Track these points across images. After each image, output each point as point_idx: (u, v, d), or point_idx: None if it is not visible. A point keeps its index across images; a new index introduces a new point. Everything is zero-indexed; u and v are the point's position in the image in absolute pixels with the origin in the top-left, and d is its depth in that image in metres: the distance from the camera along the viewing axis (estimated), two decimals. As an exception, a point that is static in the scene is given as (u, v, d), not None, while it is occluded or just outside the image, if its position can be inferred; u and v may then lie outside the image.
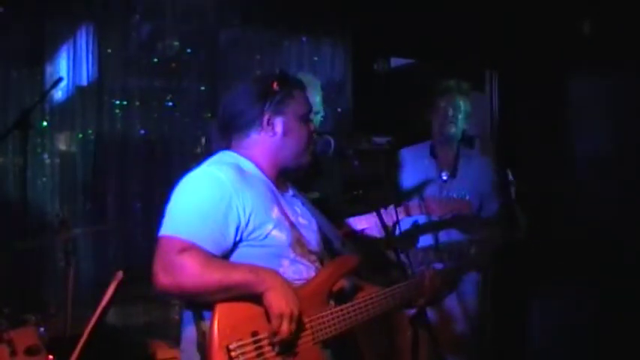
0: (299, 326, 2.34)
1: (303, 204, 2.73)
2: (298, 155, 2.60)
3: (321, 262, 2.61)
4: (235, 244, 2.39)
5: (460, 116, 4.21)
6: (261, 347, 2.29)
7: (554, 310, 5.44)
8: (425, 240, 4.05)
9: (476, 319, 4.22)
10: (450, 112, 4.20)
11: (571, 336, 5.25)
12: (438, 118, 4.24)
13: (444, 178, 4.21)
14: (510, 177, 3.87)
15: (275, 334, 2.29)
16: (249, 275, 2.30)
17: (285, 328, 2.29)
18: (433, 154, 4.29)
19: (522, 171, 3.95)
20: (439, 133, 4.26)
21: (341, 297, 2.58)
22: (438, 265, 3.74)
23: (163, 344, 4.35)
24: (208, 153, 2.65)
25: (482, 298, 4.26)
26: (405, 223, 3.88)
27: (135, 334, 4.64)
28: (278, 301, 2.29)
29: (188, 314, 2.43)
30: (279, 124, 2.55)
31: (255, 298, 2.31)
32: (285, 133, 2.56)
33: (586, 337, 5.19)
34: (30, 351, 3.17)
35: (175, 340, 4.36)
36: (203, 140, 5.31)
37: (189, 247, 2.27)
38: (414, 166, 4.26)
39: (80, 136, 5.00)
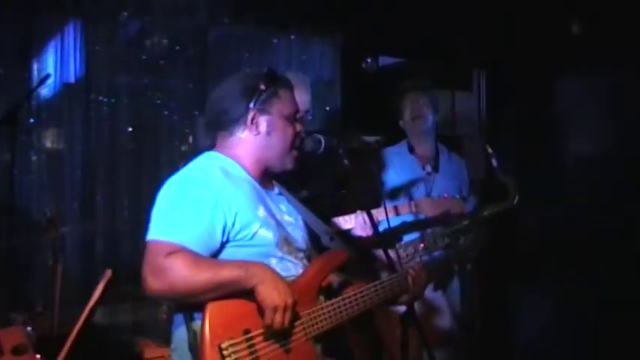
0: (291, 322, 2.34)
1: (288, 201, 2.74)
2: (282, 155, 2.61)
3: (309, 259, 2.62)
4: (222, 245, 2.40)
5: (428, 110, 4.27)
6: (253, 345, 2.30)
7: (542, 307, 5.48)
8: (411, 237, 4.05)
9: (464, 315, 4.25)
10: (416, 111, 4.27)
11: (559, 332, 5.28)
12: (406, 117, 4.32)
13: (428, 171, 4.25)
14: (489, 149, 3.90)
15: (269, 326, 2.29)
16: (239, 271, 2.30)
17: (278, 319, 2.29)
18: (411, 150, 4.33)
19: (510, 171, 3.96)
20: (411, 131, 4.32)
21: (330, 292, 2.60)
22: (428, 258, 3.76)
23: (151, 343, 4.34)
24: (196, 151, 2.65)
25: (469, 295, 4.29)
26: (394, 223, 3.88)
27: (122, 333, 4.62)
28: (270, 294, 2.29)
29: (179, 316, 2.43)
30: (263, 122, 2.55)
31: (246, 295, 2.31)
32: (269, 132, 2.56)
33: (574, 333, 5.22)
34: (17, 350, 3.15)
35: (163, 339, 4.38)
36: (191, 138, 5.29)
37: (177, 250, 2.27)
38: (396, 166, 4.29)
39: (68, 133, 4.96)
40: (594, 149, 5.61)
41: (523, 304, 5.58)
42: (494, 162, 3.87)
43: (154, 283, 2.26)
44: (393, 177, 4.21)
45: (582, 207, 5.42)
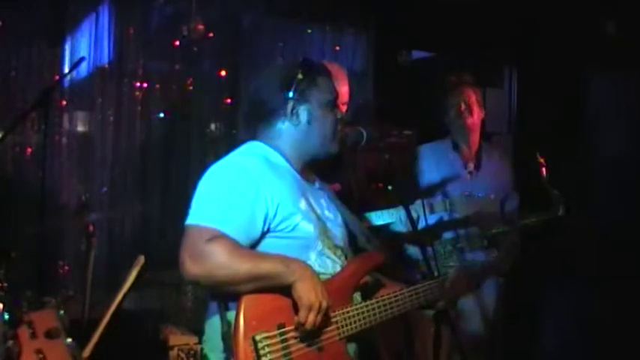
0: (325, 320, 2.32)
1: (329, 197, 2.71)
2: (325, 143, 2.58)
3: (346, 257, 2.59)
4: (263, 235, 2.38)
5: (474, 107, 4.18)
6: (286, 340, 2.28)
7: (566, 312, 5.44)
8: (447, 235, 4.02)
9: (493, 320, 4.21)
10: (462, 106, 4.17)
11: (583, 337, 5.24)
12: (452, 113, 4.21)
13: (470, 169, 4.19)
14: (540, 159, 3.84)
15: (301, 324, 2.27)
16: (279, 265, 2.28)
17: (311, 319, 2.27)
18: (455, 147, 4.26)
19: (539, 170, 3.92)
20: (457, 127, 4.23)
21: (365, 293, 2.57)
22: (466, 256, 3.73)
23: (176, 330, 4.35)
24: (226, 138, 2.63)
25: (501, 300, 4.25)
26: (429, 220, 3.86)
27: (148, 320, 4.63)
28: (307, 293, 2.27)
29: (213, 305, 2.41)
30: (303, 112, 2.53)
31: (282, 290, 2.29)
32: (309, 122, 2.53)
33: (598, 339, 5.18)
34: (50, 334, 3.15)
35: (188, 327, 4.38)
36: (221, 125, 5.28)
37: (217, 236, 2.25)
38: (436, 162, 4.23)
39: (99, 117, 4.96)
40: (625, 148, 5.55)
41: (549, 309, 5.54)
42: (543, 171, 3.81)
43: (193, 267, 2.24)
44: (434, 173, 4.15)
45: (612, 208, 5.38)
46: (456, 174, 4.14)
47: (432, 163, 4.22)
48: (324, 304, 2.29)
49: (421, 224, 3.58)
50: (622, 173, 5.48)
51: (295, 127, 2.53)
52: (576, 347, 5.24)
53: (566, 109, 5.85)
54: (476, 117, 4.20)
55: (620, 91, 5.62)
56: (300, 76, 2.53)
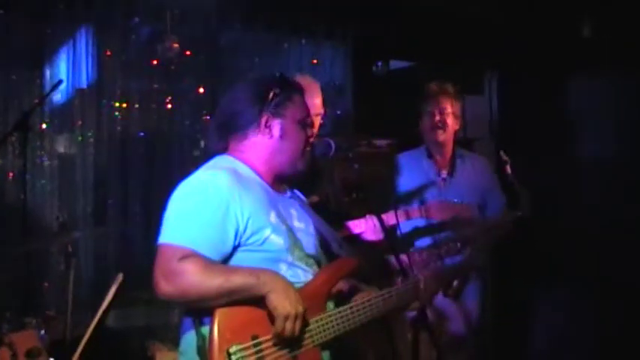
0: (300, 329, 2.34)
1: (300, 206, 2.73)
2: (294, 159, 2.60)
3: (319, 265, 2.61)
4: (234, 249, 2.39)
5: (449, 119, 4.18)
6: (261, 350, 2.29)
7: (555, 311, 5.45)
8: (423, 242, 4.04)
9: (476, 320, 4.22)
10: (437, 117, 4.16)
11: (572, 337, 5.25)
12: (426, 123, 4.21)
13: (443, 176, 4.21)
14: (504, 156, 3.86)
15: (279, 334, 2.29)
16: (250, 278, 2.30)
17: (289, 327, 2.29)
18: (430, 156, 4.28)
19: (522, 173, 3.94)
20: (430, 140, 4.24)
21: (339, 299, 2.58)
22: (437, 265, 3.74)
23: (163, 347, 4.35)
24: (207, 155, 2.65)
25: (483, 300, 4.26)
26: (405, 227, 3.88)
27: (134, 337, 4.63)
28: (282, 302, 2.29)
29: (188, 320, 2.43)
30: (276, 126, 2.55)
31: (254, 301, 2.31)
32: (282, 136, 2.56)
33: (587, 339, 5.19)
34: (31, 354, 3.17)
35: (175, 343, 4.38)
36: (202, 143, 5.31)
37: (189, 254, 2.27)
38: (411, 170, 4.25)
39: (80, 138, 4.99)
40: (606, 150, 5.58)
41: (537, 309, 5.55)
42: (508, 169, 3.83)
43: (166, 287, 2.26)
44: (408, 181, 4.18)
45: (595, 208, 5.40)
46: (430, 181, 4.16)
47: (407, 172, 4.24)
48: (300, 310, 2.31)
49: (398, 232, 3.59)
50: (605, 174, 5.51)
51: (268, 141, 2.56)
52: (565, 349, 5.26)
53: (546, 111, 5.88)
54: (449, 131, 4.19)
55: (600, 92, 5.66)
56: (276, 90, 2.56)
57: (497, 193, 4.26)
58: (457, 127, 4.25)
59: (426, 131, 4.24)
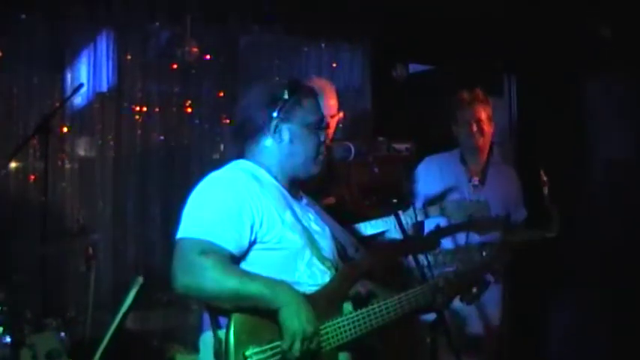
0: (314, 345, 2.34)
1: (316, 212, 2.74)
2: (306, 163, 2.61)
3: (336, 269, 2.61)
4: (250, 245, 2.41)
5: (485, 126, 4.18)
6: (277, 354, 2.31)
7: (572, 318, 5.42)
8: (446, 243, 4.02)
9: (495, 325, 4.20)
10: (474, 127, 4.16)
11: (588, 344, 5.22)
12: (462, 131, 4.21)
13: (475, 183, 4.18)
14: (544, 177, 3.84)
15: (285, 351, 2.30)
16: (265, 289, 2.32)
17: (296, 347, 2.30)
18: (463, 161, 4.27)
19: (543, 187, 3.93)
20: (467, 146, 4.23)
21: (356, 302, 2.58)
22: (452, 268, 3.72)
23: (182, 349, 4.37)
24: (226, 158, 2.67)
25: (503, 305, 4.24)
26: (429, 225, 3.88)
27: (153, 339, 4.66)
28: (291, 320, 2.30)
29: (206, 317, 2.45)
30: (286, 131, 2.57)
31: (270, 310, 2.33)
32: (292, 141, 2.57)
33: (603, 346, 5.16)
34: (50, 355, 3.19)
35: (194, 345, 4.40)
36: (222, 146, 5.33)
37: (209, 249, 2.30)
38: (440, 174, 4.23)
39: (100, 141, 5.04)
40: (626, 151, 5.54)
41: (554, 314, 5.52)
42: (545, 190, 3.80)
43: (184, 278, 2.29)
44: (437, 185, 4.16)
45: (608, 209, 5.36)
46: (461, 187, 4.14)
47: (436, 175, 4.23)
48: (309, 330, 2.31)
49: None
50: (624, 176, 5.47)
51: (278, 145, 2.57)
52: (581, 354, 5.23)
53: (566, 114, 5.85)
54: (486, 136, 4.20)
55: (619, 93, 5.62)
56: (285, 95, 2.57)
57: (522, 208, 4.25)
58: (492, 130, 4.25)
59: (462, 139, 4.23)
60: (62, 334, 3.35)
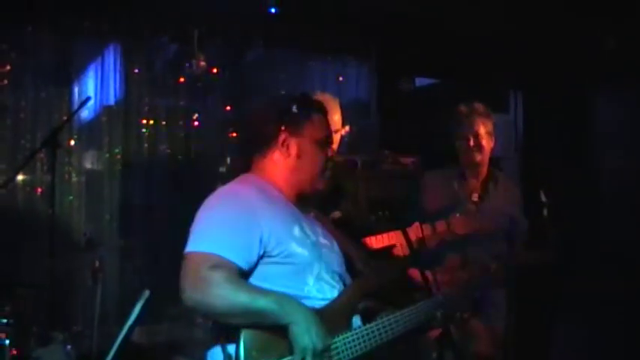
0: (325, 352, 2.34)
1: (323, 227, 2.74)
2: (312, 178, 2.61)
3: (344, 283, 2.61)
4: (259, 259, 2.40)
5: (484, 141, 4.14)
6: (287, 369, 2.30)
7: (579, 331, 5.39)
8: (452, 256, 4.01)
9: (502, 339, 4.18)
10: (472, 142, 4.09)
11: (595, 357, 5.19)
12: (461, 146, 4.15)
13: (474, 199, 4.15)
14: (543, 198, 3.80)
15: None
16: (274, 305, 2.30)
17: None
18: (463, 176, 4.24)
19: (548, 191, 3.90)
20: (465, 161, 4.19)
21: (364, 317, 2.58)
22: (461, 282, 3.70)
23: (188, 363, 4.36)
24: (232, 172, 2.67)
25: (509, 319, 4.21)
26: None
27: (160, 353, 4.65)
28: (301, 336, 2.29)
29: (214, 337, 2.44)
30: (294, 145, 2.56)
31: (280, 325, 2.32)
32: (299, 156, 2.57)
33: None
34: (57, 369, 3.19)
35: (199, 359, 4.39)
36: (228, 159, 5.34)
37: (219, 264, 2.29)
38: (440, 190, 4.19)
39: (107, 155, 5.06)
40: (632, 166, 5.53)
41: (559, 330, 5.50)
42: (545, 212, 3.77)
43: (193, 294, 2.28)
44: (437, 201, 4.13)
45: (616, 222, 5.35)
46: (460, 203, 4.12)
47: (437, 191, 4.18)
48: (319, 346, 2.30)
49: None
50: (631, 189, 5.46)
51: (285, 160, 2.57)
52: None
53: (572, 129, 5.85)
54: (485, 152, 4.13)
55: (625, 107, 5.62)
56: (294, 109, 2.57)
57: (522, 221, 4.22)
58: (492, 144, 4.19)
59: (461, 153, 4.18)
60: (68, 347, 3.35)
